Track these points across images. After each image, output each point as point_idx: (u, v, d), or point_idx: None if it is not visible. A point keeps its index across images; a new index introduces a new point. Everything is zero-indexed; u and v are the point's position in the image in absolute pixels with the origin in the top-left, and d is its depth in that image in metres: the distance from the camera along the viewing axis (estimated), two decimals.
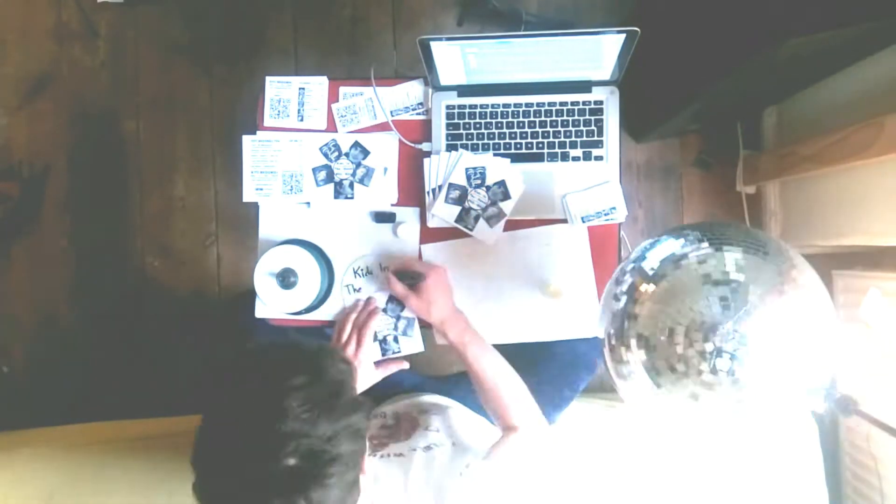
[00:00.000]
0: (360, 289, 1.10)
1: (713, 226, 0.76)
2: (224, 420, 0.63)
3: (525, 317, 1.08)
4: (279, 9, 1.81)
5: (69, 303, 1.82)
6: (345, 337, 1.02)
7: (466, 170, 1.08)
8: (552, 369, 0.98)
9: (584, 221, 1.07)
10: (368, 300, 1.08)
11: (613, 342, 0.76)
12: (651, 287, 0.72)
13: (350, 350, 1.00)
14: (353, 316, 1.05)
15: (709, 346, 0.66)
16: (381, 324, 1.08)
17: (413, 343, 1.09)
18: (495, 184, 1.08)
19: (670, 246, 0.75)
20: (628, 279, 0.76)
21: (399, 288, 1.02)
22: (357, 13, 1.81)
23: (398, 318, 1.09)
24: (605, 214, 1.07)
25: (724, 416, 0.70)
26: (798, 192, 1.60)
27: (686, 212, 1.78)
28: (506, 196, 1.08)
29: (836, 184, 1.41)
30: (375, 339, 1.08)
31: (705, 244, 0.71)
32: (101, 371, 1.80)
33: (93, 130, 1.83)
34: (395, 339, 1.09)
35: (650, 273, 0.73)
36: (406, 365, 1.06)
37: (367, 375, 1.00)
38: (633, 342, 0.72)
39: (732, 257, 0.69)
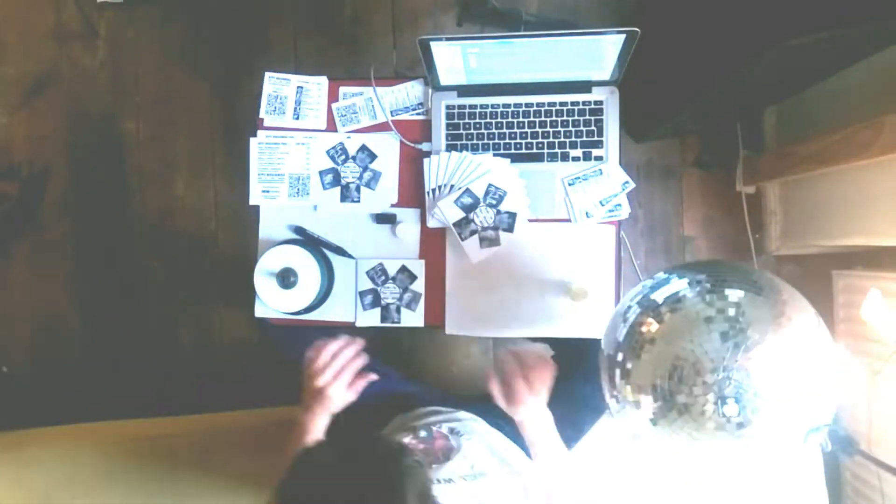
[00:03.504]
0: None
1: (715, 266, 0.78)
2: None
3: (542, 312, 1.08)
4: (279, 9, 1.81)
5: (69, 303, 1.82)
6: (320, 364, 0.95)
7: (489, 185, 1.07)
8: (556, 410, 0.94)
9: (602, 205, 1.07)
10: (355, 341, 0.99)
11: (612, 372, 0.76)
12: (653, 326, 0.73)
13: (323, 380, 0.93)
14: (333, 348, 0.96)
15: (710, 387, 0.67)
16: (386, 292, 1.07)
17: (414, 317, 1.08)
18: (507, 212, 1.07)
19: (673, 286, 0.75)
20: (631, 315, 0.76)
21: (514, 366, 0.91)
22: (357, 13, 1.81)
23: (405, 289, 1.08)
24: (615, 198, 1.07)
25: (723, 454, 0.71)
26: (798, 192, 1.60)
27: (686, 212, 1.78)
28: (510, 228, 1.07)
29: (836, 184, 1.41)
30: (378, 304, 1.08)
31: (708, 285, 0.73)
32: (101, 371, 1.80)
33: (93, 130, 1.83)
34: (398, 310, 1.08)
35: (652, 312, 0.74)
36: (374, 377, 0.98)
37: (337, 404, 0.95)
38: (633, 378, 0.73)
39: (733, 298, 0.70)
